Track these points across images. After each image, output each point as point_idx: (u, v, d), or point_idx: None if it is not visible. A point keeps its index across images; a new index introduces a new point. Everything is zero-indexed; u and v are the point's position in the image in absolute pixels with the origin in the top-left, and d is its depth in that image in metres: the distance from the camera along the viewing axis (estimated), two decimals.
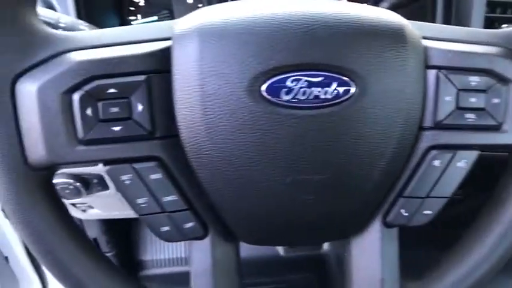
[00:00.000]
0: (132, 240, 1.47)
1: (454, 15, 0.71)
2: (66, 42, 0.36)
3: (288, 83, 0.34)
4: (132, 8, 0.83)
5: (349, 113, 0.35)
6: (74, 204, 0.90)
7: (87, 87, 0.34)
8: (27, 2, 0.34)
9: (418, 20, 0.40)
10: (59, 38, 0.36)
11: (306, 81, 0.34)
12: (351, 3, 0.38)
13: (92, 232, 1.24)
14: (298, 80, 0.34)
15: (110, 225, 1.27)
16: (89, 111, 0.35)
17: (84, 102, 0.34)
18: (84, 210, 0.95)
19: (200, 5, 0.83)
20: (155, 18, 0.83)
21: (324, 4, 0.36)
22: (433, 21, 0.73)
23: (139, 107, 0.35)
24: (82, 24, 0.54)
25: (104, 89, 0.35)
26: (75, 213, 0.92)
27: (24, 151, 0.35)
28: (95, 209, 0.94)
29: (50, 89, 0.34)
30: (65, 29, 0.51)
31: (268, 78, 0.34)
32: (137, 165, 0.37)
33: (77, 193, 0.75)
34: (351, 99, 0.35)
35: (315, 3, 0.36)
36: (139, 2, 0.83)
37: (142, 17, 0.83)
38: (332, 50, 0.34)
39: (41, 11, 0.51)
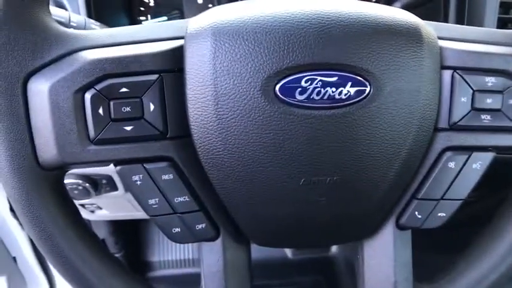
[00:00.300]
0: (140, 241, 1.47)
1: (467, 16, 0.70)
2: (78, 40, 0.35)
3: (303, 83, 0.33)
4: (142, 8, 0.83)
5: (364, 114, 0.34)
6: (82, 205, 0.90)
7: (99, 86, 0.34)
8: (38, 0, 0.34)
9: (431, 21, 0.40)
10: (71, 37, 0.35)
11: (321, 81, 0.33)
12: (365, 2, 0.37)
13: (100, 233, 1.25)
14: (312, 80, 0.33)
15: (118, 226, 1.27)
16: (100, 111, 0.34)
17: (96, 102, 0.34)
18: (92, 211, 0.96)
19: (210, 5, 0.83)
20: (165, 18, 0.82)
21: (339, 3, 0.36)
22: (446, 21, 0.73)
23: (152, 107, 0.35)
24: (93, 23, 0.54)
25: (116, 88, 0.34)
26: (83, 214, 0.92)
27: (36, 151, 0.35)
28: (103, 209, 0.94)
29: (62, 88, 0.34)
30: (76, 28, 0.51)
31: (282, 78, 0.33)
32: (149, 166, 0.36)
33: (86, 194, 0.75)
34: (366, 99, 0.34)
35: (330, 2, 0.36)
36: (149, 2, 0.83)
37: (152, 17, 0.83)
38: (347, 49, 0.34)
39: (52, 10, 0.51)
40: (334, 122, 0.34)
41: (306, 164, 0.35)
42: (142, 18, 0.83)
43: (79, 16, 0.54)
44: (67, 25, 0.51)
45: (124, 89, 0.34)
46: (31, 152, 0.35)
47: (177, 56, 0.35)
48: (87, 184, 0.73)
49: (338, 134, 0.34)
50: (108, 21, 0.74)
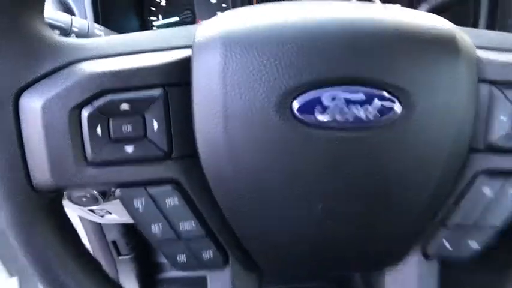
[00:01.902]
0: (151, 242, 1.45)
1: (499, 21, 0.65)
2: (75, 51, 0.32)
3: (323, 101, 0.30)
4: (153, 8, 0.79)
5: (393, 136, 0.30)
6: (92, 210, 0.88)
7: (97, 103, 0.31)
8: (31, 5, 0.31)
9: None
10: (67, 47, 0.32)
11: (344, 98, 0.30)
12: (391, 6, 0.33)
13: (111, 235, 1.23)
14: (334, 97, 0.30)
15: (129, 228, 1.25)
16: (99, 130, 0.31)
17: (93, 120, 0.31)
18: (102, 216, 0.94)
19: (224, 5, 0.80)
20: (176, 19, 0.79)
21: (363, 9, 0.32)
22: (475, 27, 0.68)
23: (155, 125, 0.32)
24: (97, 28, 0.51)
25: (116, 104, 0.31)
26: (93, 218, 0.89)
27: (29, 173, 0.32)
28: (113, 214, 0.92)
29: (56, 105, 0.31)
30: (78, 33, 0.48)
31: (300, 94, 0.30)
32: (152, 189, 0.33)
33: (94, 201, 0.73)
34: (395, 119, 0.30)
35: (353, 8, 0.32)
36: (160, 2, 0.79)
37: (164, 18, 0.80)
38: (374, 62, 0.30)
39: (53, 14, 0.48)
40: (358, 145, 0.30)
41: (326, 190, 0.32)
42: (153, 18, 0.79)
43: (82, 20, 0.51)
44: (68, 31, 0.48)
45: (124, 105, 0.31)
46: (24, 174, 0.32)
47: (183, 68, 0.32)
48: (95, 192, 0.71)
49: (363, 159, 0.31)
50: (117, 22, 0.72)
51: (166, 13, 0.79)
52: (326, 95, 0.30)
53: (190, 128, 0.32)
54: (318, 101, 0.30)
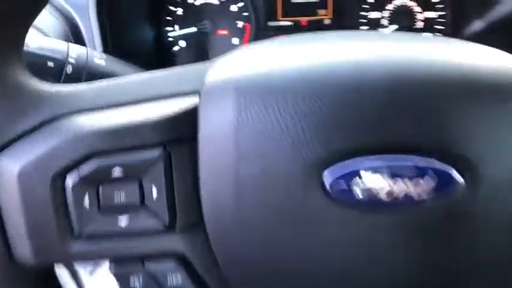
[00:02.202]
0: None
1: None
2: (58, 102, 0.27)
3: (362, 174, 0.23)
4: (168, 18, 0.74)
5: (452, 218, 0.24)
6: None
7: (84, 168, 0.26)
8: (6, 51, 0.25)
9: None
10: (50, 97, 0.27)
11: (389, 170, 0.23)
12: (439, 39, 0.27)
13: None
14: (376, 169, 0.23)
15: None
16: (86, 200, 0.26)
17: (80, 188, 0.26)
18: None
19: (246, 13, 0.74)
20: (194, 29, 0.73)
21: (407, 46, 0.26)
22: None
23: (154, 192, 0.26)
24: (97, 57, 0.45)
25: (106, 169, 0.26)
26: None
27: (9, 247, 0.27)
28: None
29: (35, 171, 0.26)
30: (75, 65, 0.43)
31: (333, 164, 0.24)
32: (151, 265, 0.28)
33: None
34: (455, 196, 0.24)
35: (395, 48, 0.26)
36: (176, 11, 0.74)
37: (180, 28, 0.74)
38: (427, 123, 0.24)
39: (47, 42, 0.43)
40: (408, 230, 0.24)
41: (363, 282, 0.25)
42: (168, 29, 0.74)
43: (80, 48, 0.45)
44: (64, 62, 0.43)
45: (117, 171, 0.26)
46: (3, 249, 0.27)
47: (188, 121, 0.26)
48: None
49: (413, 247, 0.24)
50: (127, 34, 0.66)
51: (183, 23, 0.74)
52: (366, 166, 0.23)
53: (196, 193, 0.27)
54: (355, 174, 0.23)
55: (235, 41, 0.75)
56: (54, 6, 0.58)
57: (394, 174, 0.23)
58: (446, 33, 0.74)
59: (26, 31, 0.27)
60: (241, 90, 0.25)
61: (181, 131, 0.27)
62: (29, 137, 0.26)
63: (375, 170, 0.23)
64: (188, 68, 0.29)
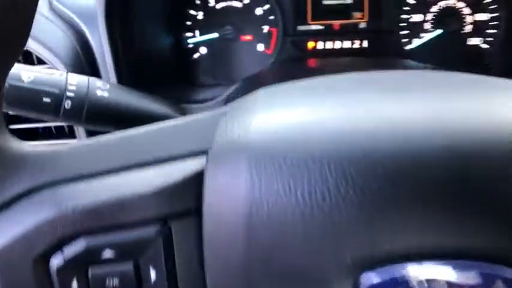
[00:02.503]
0: None
1: None
2: (39, 170, 0.23)
3: (412, 283, 0.17)
4: (188, 23, 0.68)
5: None
6: None
7: (70, 250, 0.22)
8: None
9: None
10: (30, 164, 0.24)
11: (447, 281, 0.17)
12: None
13: None
14: (431, 282, 0.17)
15: None
16: (75, 285, 0.23)
17: (66, 272, 0.22)
18: None
19: (271, 17, 0.67)
20: (216, 35, 0.68)
21: (474, 103, 0.20)
22: None
23: (152, 275, 0.23)
24: (100, 88, 0.40)
25: (96, 250, 0.22)
26: None
27: None
28: None
29: (15, 253, 0.22)
30: (74, 98, 0.39)
31: (374, 269, 0.18)
32: None
33: None
34: None
35: (455, 104, 0.20)
36: (197, 15, 0.68)
37: (201, 34, 0.68)
38: (494, 220, 0.17)
39: (43, 73, 0.40)
40: None
41: None
42: (188, 34, 0.68)
43: (79, 77, 0.41)
44: (62, 96, 0.39)
45: (108, 252, 0.22)
46: None
47: (193, 190, 0.22)
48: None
49: None
50: (144, 41, 0.61)
51: (204, 28, 0.68)
52: (415, 274, 0.17)
53: (201, 274, 0.22)
54: (402, 283, 0.17)
55: (260, 47, 0.68)
56: (58, 15, 0.53)
57: (451, 285, 0.17)
58: (499, 38, 0.65)
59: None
60: (254, 157, 0.20)
61: (184, 202, 0.22)
62: (5, 213, 0.23)
63: (428, 279, 0.17)
64: (197, 119, 0.24)
